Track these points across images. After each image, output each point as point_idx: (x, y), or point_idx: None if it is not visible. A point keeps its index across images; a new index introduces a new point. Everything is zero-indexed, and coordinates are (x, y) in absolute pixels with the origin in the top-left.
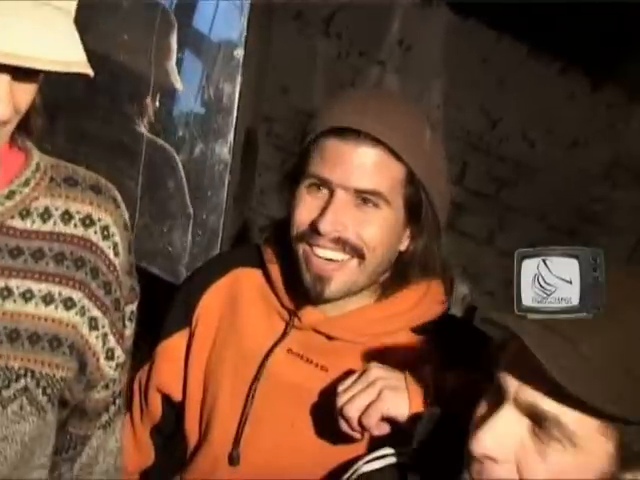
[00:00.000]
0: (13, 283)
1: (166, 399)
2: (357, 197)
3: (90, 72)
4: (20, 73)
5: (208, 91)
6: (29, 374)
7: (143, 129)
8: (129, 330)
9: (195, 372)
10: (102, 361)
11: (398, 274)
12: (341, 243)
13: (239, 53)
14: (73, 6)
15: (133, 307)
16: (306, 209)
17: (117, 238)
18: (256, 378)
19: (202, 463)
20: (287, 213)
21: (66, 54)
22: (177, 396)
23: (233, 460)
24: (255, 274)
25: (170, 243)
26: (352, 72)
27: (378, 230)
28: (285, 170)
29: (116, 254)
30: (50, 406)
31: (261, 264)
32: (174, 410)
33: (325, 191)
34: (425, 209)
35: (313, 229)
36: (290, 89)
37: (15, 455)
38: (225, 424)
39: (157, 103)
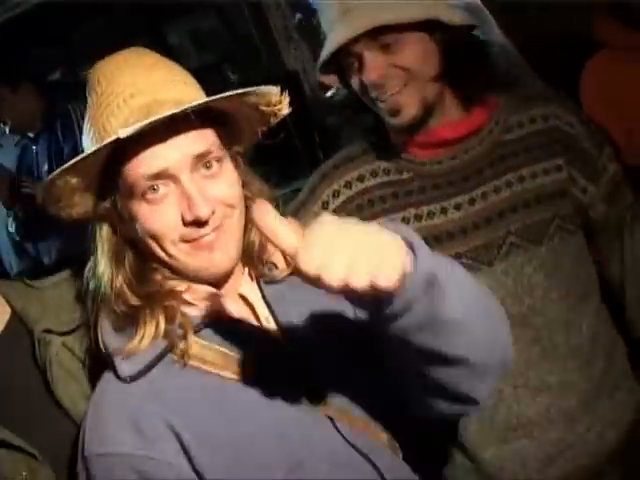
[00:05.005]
0: (525, 170)
1: None
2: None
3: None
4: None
5: None
6: (556, 218)
7: None
8: (612, 166)
9: None
10: (590, 188)
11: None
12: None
13: None
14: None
15: (607, 150)
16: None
17: (565, 117)
18: None
19: None
20: None
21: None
22: None
23: None
24: None
25: None
26: None
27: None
28: None
29: (572, 126)
30: (575, 228)
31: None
32: None
33: None
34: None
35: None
36: None
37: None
38: None
39: None
